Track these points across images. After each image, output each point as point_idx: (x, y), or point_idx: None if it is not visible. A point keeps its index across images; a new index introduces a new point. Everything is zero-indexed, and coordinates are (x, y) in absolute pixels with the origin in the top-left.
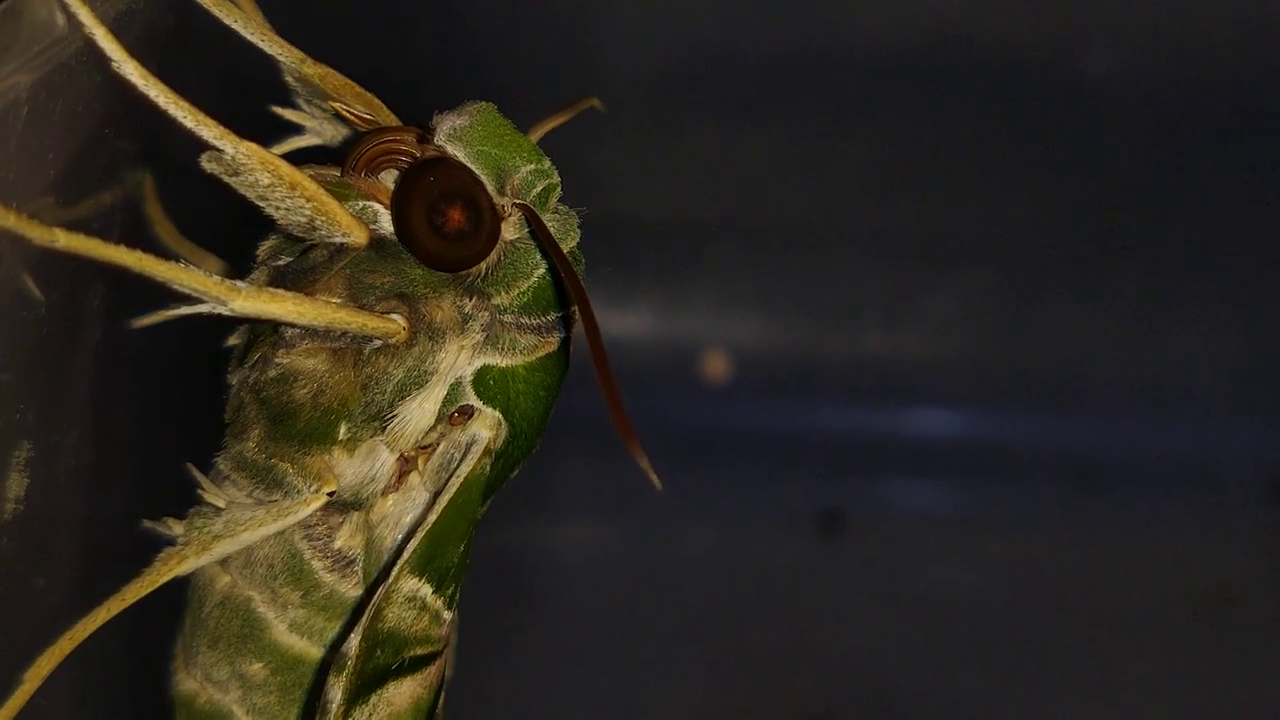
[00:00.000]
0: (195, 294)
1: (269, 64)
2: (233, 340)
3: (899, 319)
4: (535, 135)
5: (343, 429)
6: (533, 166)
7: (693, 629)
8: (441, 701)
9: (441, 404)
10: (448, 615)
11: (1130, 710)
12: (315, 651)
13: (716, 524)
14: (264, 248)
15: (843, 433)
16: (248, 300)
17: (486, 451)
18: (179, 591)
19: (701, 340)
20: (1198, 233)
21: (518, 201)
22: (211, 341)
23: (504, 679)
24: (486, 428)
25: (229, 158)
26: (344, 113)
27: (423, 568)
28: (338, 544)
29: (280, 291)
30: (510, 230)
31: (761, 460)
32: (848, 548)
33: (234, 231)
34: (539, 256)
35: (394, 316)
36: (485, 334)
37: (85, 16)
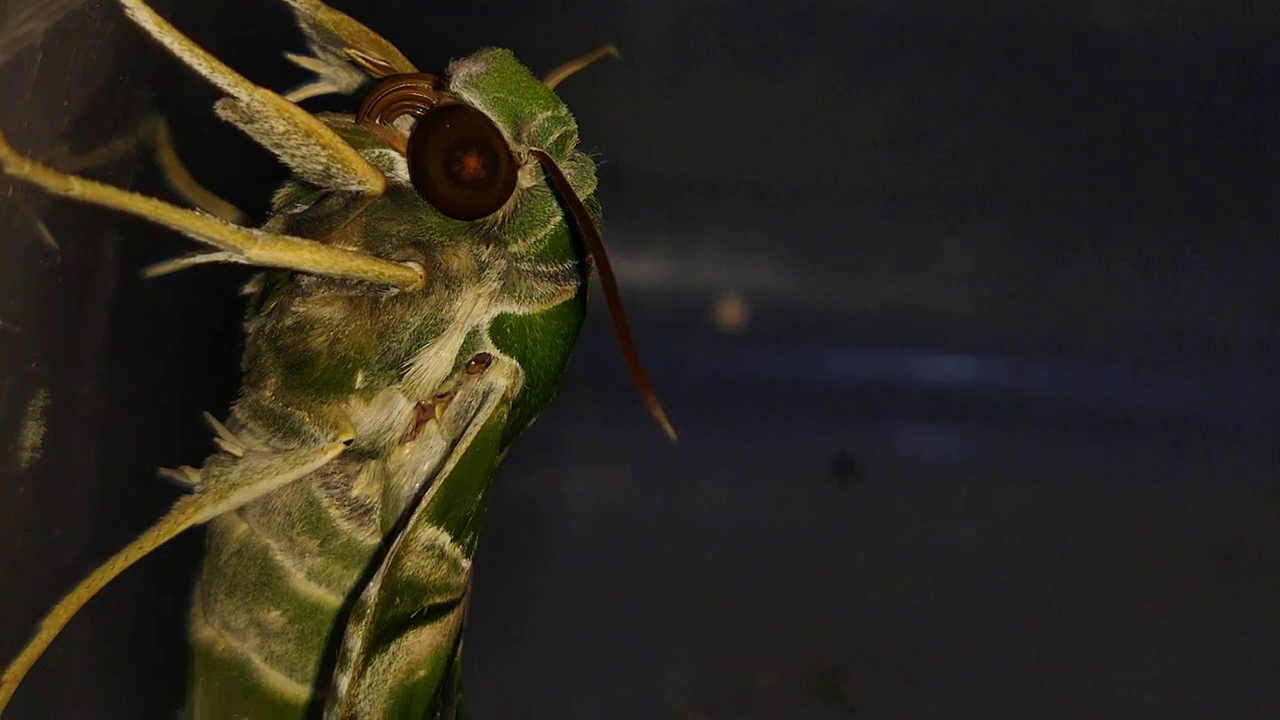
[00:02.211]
0: (211, 242)
1: (284, 11)
2: (249, 288)
3: (914, 268)
4: (551, 82)
5: (359, 377)
6: (549, 113)
7: (706, 579)
8: (460, 649)
9: (458, 352)
10: (466, 563)
11: (1144, 661)
12: (333, 599)
13: (730, 473)
14: (280, 196)
15: (857, 381)
16: (263, 248)
17: (504, 400)
18: (196, 539)
19: (716, 289)
20: (1214, 185)
21: (534, 149)
22: (228, 289)
23: (516, 628)
24: (504, 376)
25: (244, 105)
26: (359, 59)
27: (441, 516)
28: (355, 492)
29: (296, 240)
30: (527, 178)
31: (776, 409)
32: (862, 497)
33: (249, 179)
34: (555, 204)
35: (410, 265)
36: (502, 282)
37: None
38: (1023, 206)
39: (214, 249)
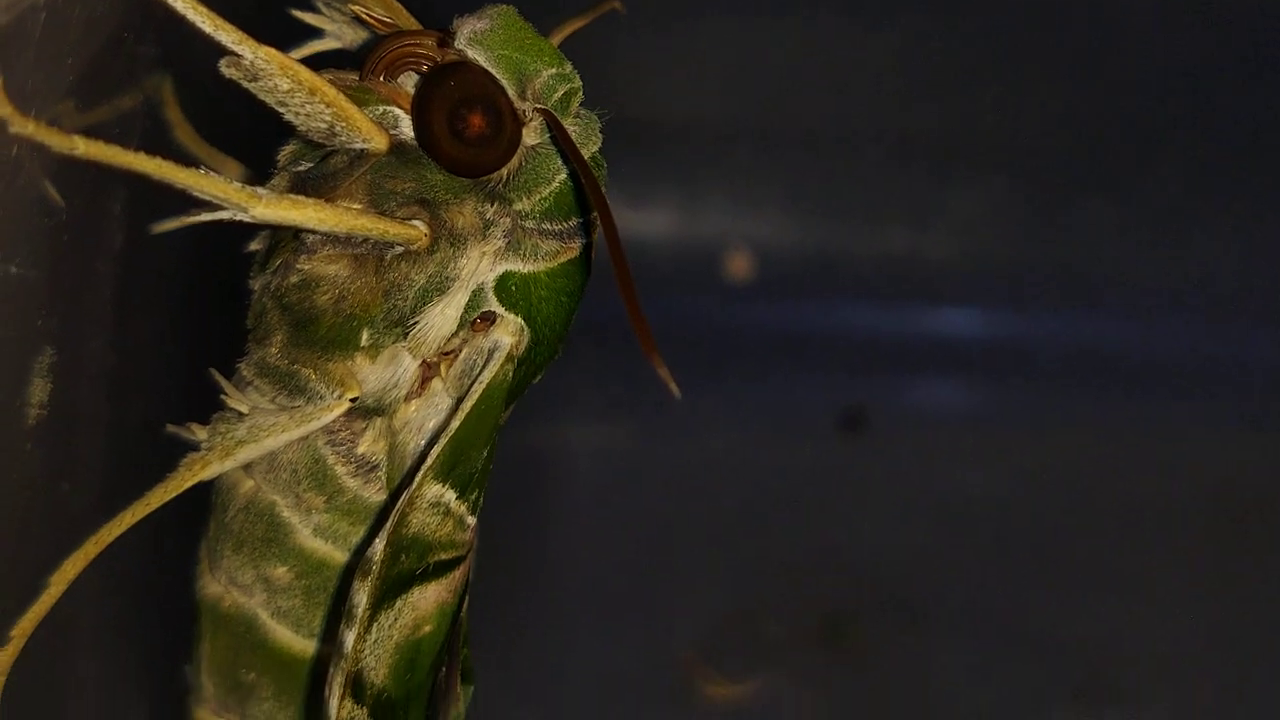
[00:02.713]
0: (216, 201)
1: None
2: (254, 245)
3: (922, 219)
4: (556, 39)
5: (365, 335)
6: (554, 70)
7: (714, 530)
8: (466, 605)
9: (464, 310)
10: (471, 520)
11: (1148, 607)
12: (339, 556)
13: (737, 425)
14: (284, 153)
15: (865, 332)
16: (268, 207)
17: (509, 358)
18: (203, 496)
19: (723, 240)
20: (1227, 134)
21: (539, 106)
22: (233, 246)
23: (521, 581)
24: (509, 334)
25: (248, 63)
26: (363, 16)
27: (446, 474)
28: (361, 449)
29: (301, 198)
30: (531, 135)
31: (782, 360)
32: (870, 448)
33: (254, 135)
34: (560, 162)
35: (415, 223)
36: (507, 240)
37: None
38: (1031, 157)
39: (219, 207)
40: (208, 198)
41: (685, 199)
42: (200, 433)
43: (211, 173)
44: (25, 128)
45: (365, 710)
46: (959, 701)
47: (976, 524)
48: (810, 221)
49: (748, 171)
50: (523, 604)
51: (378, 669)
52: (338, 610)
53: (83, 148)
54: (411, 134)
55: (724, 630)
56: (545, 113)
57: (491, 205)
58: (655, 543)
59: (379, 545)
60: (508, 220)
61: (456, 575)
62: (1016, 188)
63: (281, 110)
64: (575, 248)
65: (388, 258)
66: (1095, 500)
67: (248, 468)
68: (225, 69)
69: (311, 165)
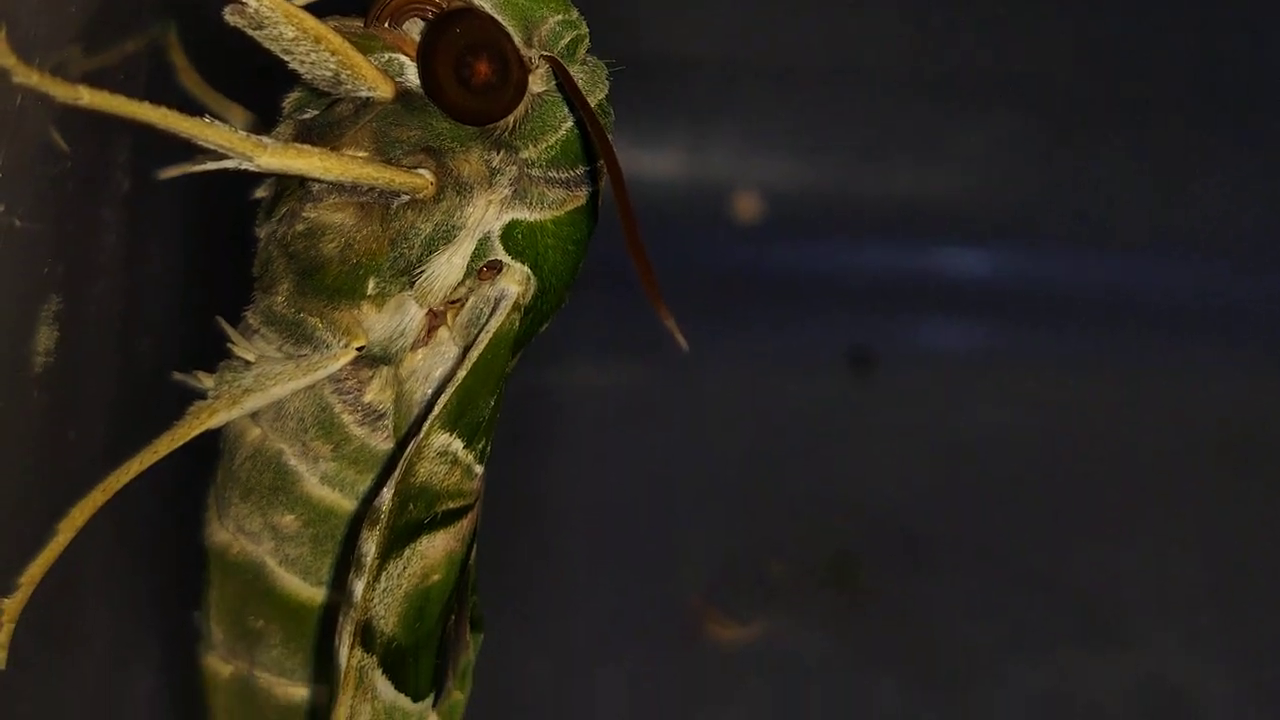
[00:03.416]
0: (221, 150)
1: None
2: (260, 193)
3: (931, 157)
4: None
5: (371, 284)
6: (560, 17)
7: (721, 471)
8: (474, 553)
9: (470, 259)
10: (479, 469)
11: (1153, 547)
12: (347, 504)
13: (745, 366)
14: (289, 100)
15: (874, 272)
16: (274, 156)
17: (515, 307)
18: (211, 443)
19: (732, 180)
20: (1238, 74)
21: (545, 53)
22: (239, 193)
23: (530, 523)
24: (515, 283)
25: (252, 11)
26: None
27: (453, 423)
28: (368, 398)
29: (306, 147)
30: (537, 83)
31: (792, 300)
32: (878, 388)
33: (259, 80)
34: (567, 109)
35: (421, 171)
36: (513, 188)
37: None
38: (1042, 94)
39: (224, 156)
40: (213, 147)
41: (693, 139)
42: (207, 381)
43: (217, 121)
44: (29, 78)
45: (375, 658)
46: (966, 640)
47: (983, 463)
48: (819, 161)
49: (757, 111)
50: (529, 547)
51: (387, 617)
52: (346, 558)
53: (87, 98)
54: (417, 82)
55: (731, 571)
56: (551, 60)
57: (498, 153)
58: (662, 484)
59: (387, 494)
60: (514, 168)
61: (464, 524)
62: (1026, 126)
63: (286, 59)
64: (582, 196)
65: (394, 206)
66: (1102, 439)
67: (255, 416)
68: (229, 17)
69: (317, 113)
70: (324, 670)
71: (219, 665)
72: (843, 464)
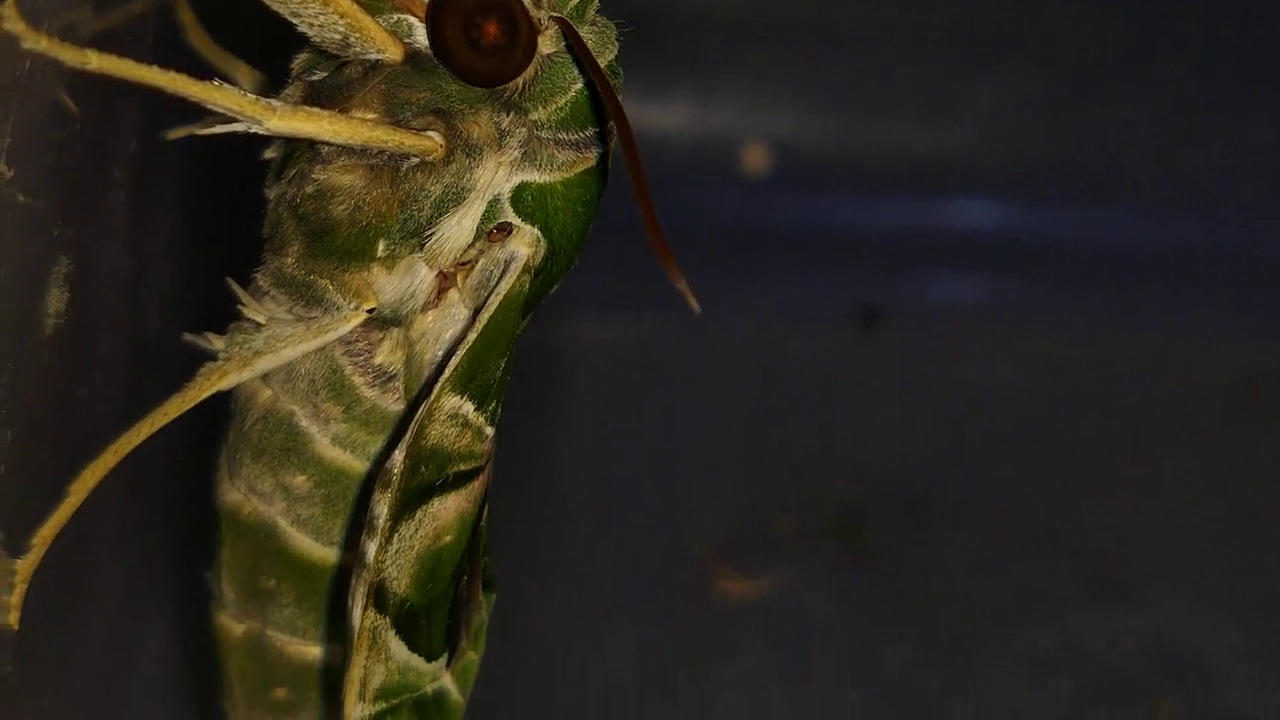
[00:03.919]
0: (230, 113)
1: None
2: (269, 154)
3: (939, 112)
4: None
5: (381, 246)
6: None
7: (728, 426)
8: (485, 514)
9: (480, 221)
10: (490, 431)
11: (1166, 507)
12: (358, 465)
13: (753, 320)
14: (298, 62)
15: (881, 227)
16: (283, 119)
17: (525, 269)
18: (222, 403)
19: (740, 134)
20: (1245, 28)
21: (554, 14)
22: (248, 153)
23: (538, 479)
24: (525, 245)
25: None
26: None
27: (464, 385)
28: (378, 360)
29: (316, 110)
30: (547, 44)
31: (799, 255)
32: (885, 343)
33: (268, 38)
34: (576, 71)
35: (430, 134)
36: (523, 150)
37: None
38: (1051, 50)
39: (234, 119)
40: (222, 110)
41: (701, 92)
42: (217, 342)
43: (225, 85)
44: (38, 43)
45: (388, 619)
46: (972, 597)
47: (991, 420)
48: (827, 115)
49: (765, 64)
50: (536, 504)
51: (400, 579)
52: (357, 518)
53: (95, 62)
54: (426, 43)
55: (737, 528)
56: (561, 20)
57: (507, 115)
58: (670, 439)
59: (398, 457)
60: (524, 130)
61: (476, 485)
62: (1035, 80)
63: (295, 21)
64: (591, 157)
65: (403, 168)
66: (1110, 395)
67: (265, 377)
68: None
69: (326, 75)
70: (336, 630)
71: (231, 624)
72: (849, 420)
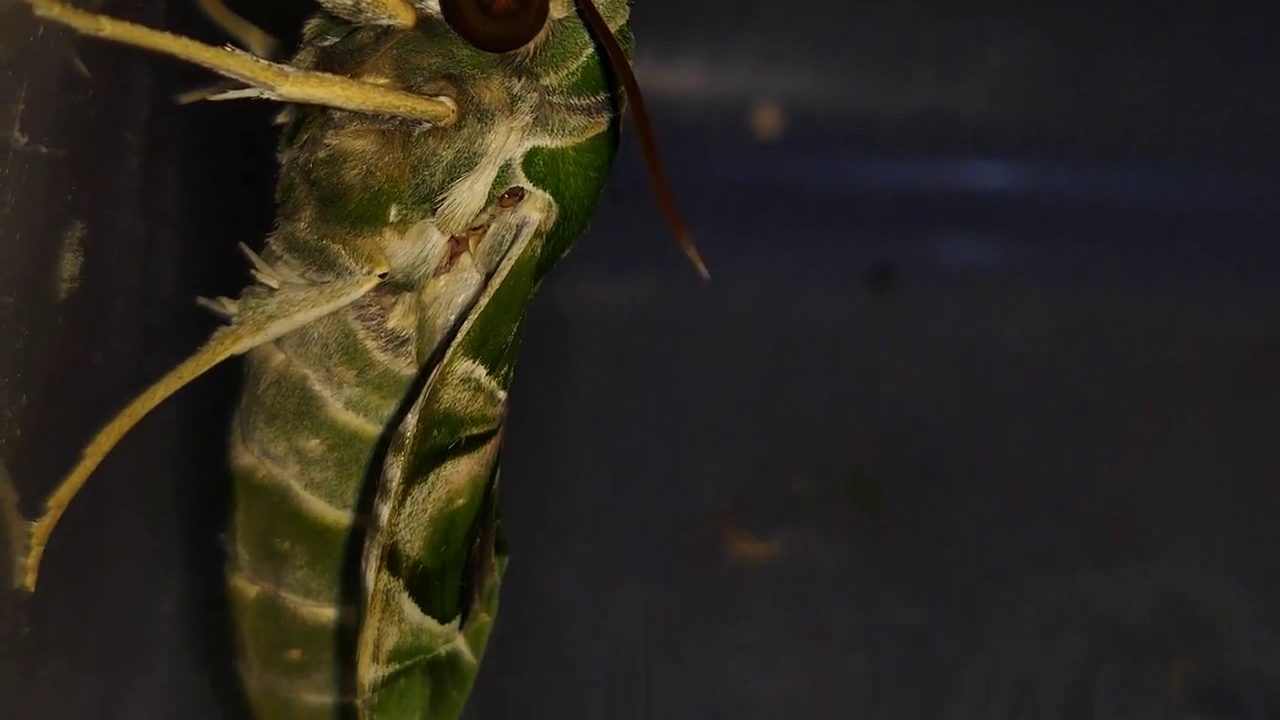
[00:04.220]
0: (243, 79)
1: None
2: (281, 119)
3: (952, 72)
4: None
5: (393, 211)
6: None
7: (741, 387)
8: (498, 478)
9: (491, 186)
10: (502, 395)
11: (1178, 467)
12: (371, 428)
13: (765, 281)
14: (310, 27)
15: (894, 187)
16: (295, 85)
17: (537, 234)
18: (236, 367)
19: (751, 95)
20: None
21: None
22: (261, 118)
23: (549, 439)
24: (537, 210)
25: None
26: None
27: (476, 350)
28: (391, 324)
29: (328, 76)
30: (558, 9)
31: (811, 216)
32: (898, 303)
33: (279, 4)
34: (588, 36)
35: (442, 99)
36: (534, 115)
37: None
38: (1065, 10)
39: (246, 85)
40: (234, 76)
41: (713, 54)
42: (231, 306)
43: (238, 51)
44: (51, 10)
45: (401, 582)
46: (984, 557)
47: (1004, 381)
48: (839, 75)
49: (776, 24)
50: (549, 464)
51: (413, 542)
52: (370, 482)
53: (109, 28)
54: (438, 8)
55: (750, 488)
56: None
57: (519, 80)
58: (681, 400)
59: (411, 421)
60: (535, 95)
61: (488, 449)
62: (1050, 42)
63: None
64: (603, 122)
65: (415, 134)
66: (1124, 357)
67: (279, 341)
68: None
69: (338, 40)
70: (349, 592)
71: (245, 586)
72: (862, 380)
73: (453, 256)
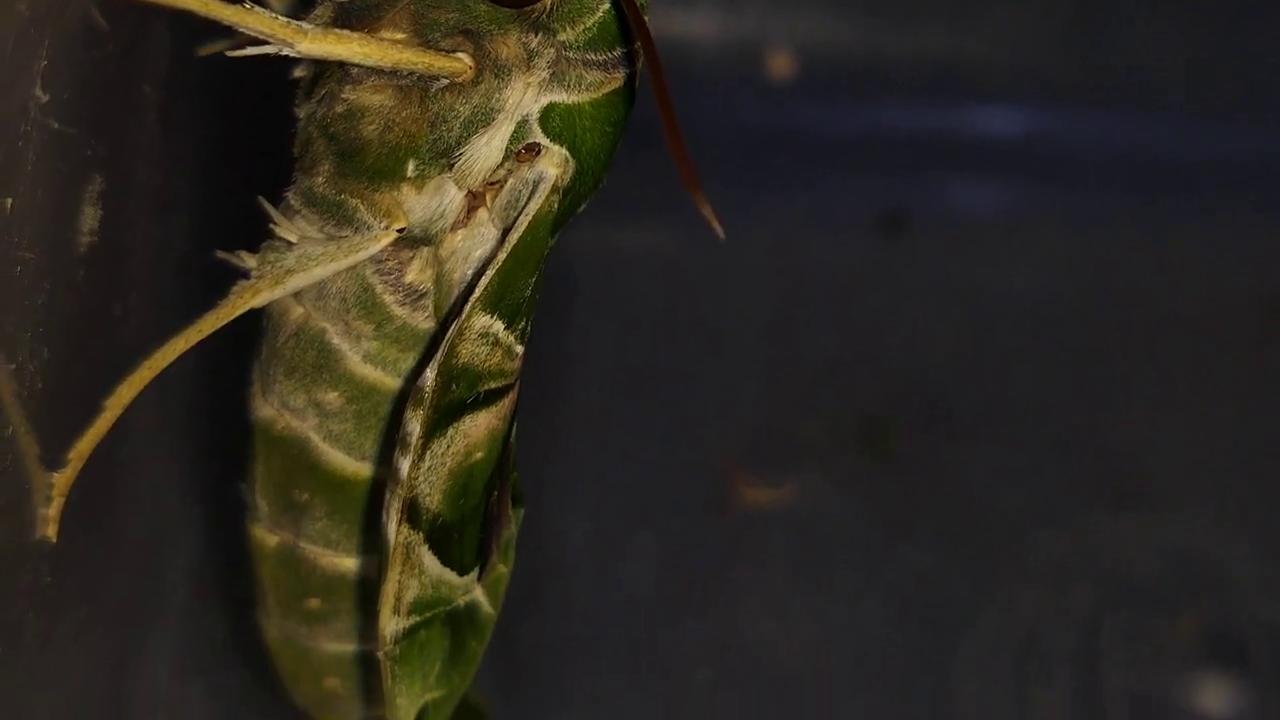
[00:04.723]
0: (261, 36)
1: None
2: (299, 73)
3: (966, 16)
4: None
5: (410, 166)
6: None
7: (752, 333)
8: (515, 431)
9: (508, 141)
10: (520, 349)
11: (1189, 415)
12: (390, 381)
13: (777, 226)
14: None
15: (907, 132)
16: (313, 42)
17: (554, 189)
18: (255, 319)
19: (765, 40)
20: None
21: None
22: (279, 71)
23: (561, 387)
24: (554, 165)
25: None
26: None
27: (494, 305)
28: (409, 278)
29: (346, 33)
30: None
31: (823, 161)
32: (909, 249)
33: None
34: None
35: (459, 55)
36: (551, 71)
37: None
38: None
39: (264, 42)
40: (252, 33)
41: None
42: (250, 260)
43: (256, 7)
44: None
45: (421, 535)
46: (994, 504)
47: (1014, 327)
48: (853, 20)
49: None
50: (561, 413)
51: (432, 495)
52: (388, 434)
53: None
54: None
55: (761, 435)
56: None
57: (535, 36)
58: (692, 347)
59: (430, 375)
60: (552, 51)
61: (506, 403)
62: None
63: None
64: (619, 78)
65: (432, 89)
66: (1135, 302)
67: (297, 295)
68: None
69: None
70: (368, 542)
71: (265, 536)
72: (873, 326)
73: (470, 211)
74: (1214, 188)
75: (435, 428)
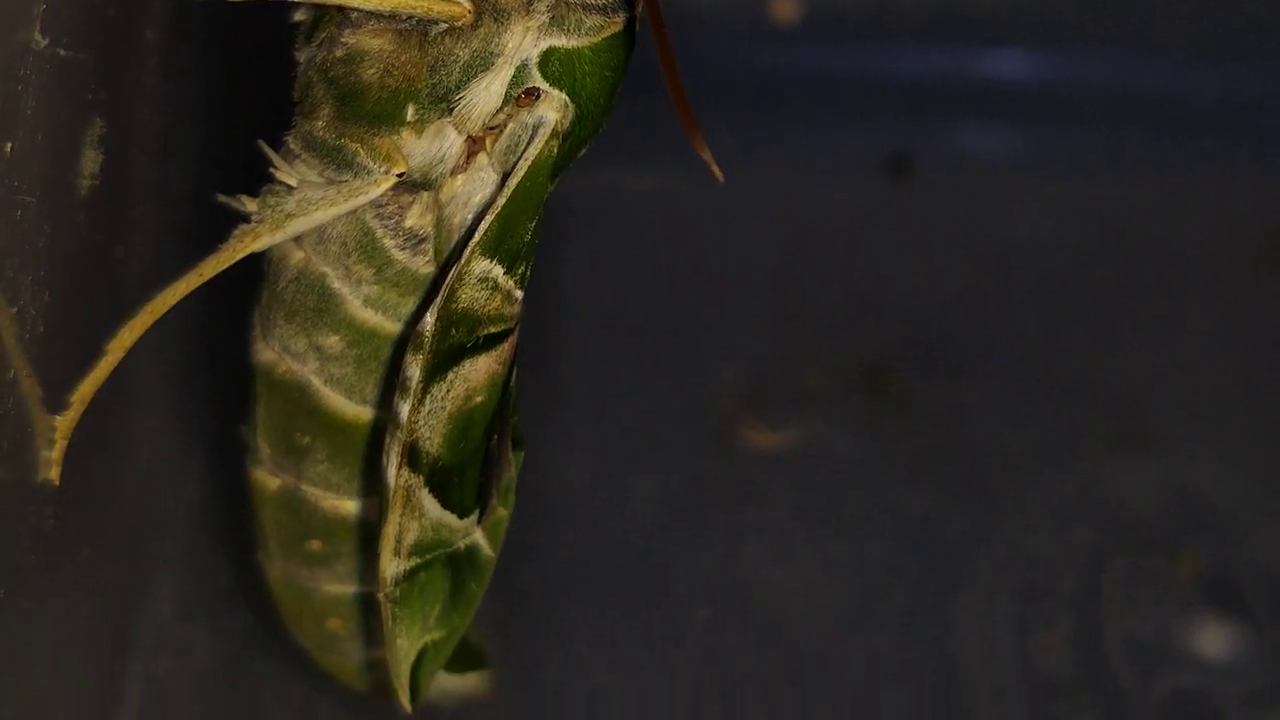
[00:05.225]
0: None
1: None
2: (299, 17)
3: None
4: None
5: (410, 110)
6: None
7: (756, 276)
8: (514, 375)
9: (508, 86)
10: (519, 294)
11: (1194, 358)
12: (390, 326)
13: (781, 169)
14: None
15: (913, 76)
16: None
17: (554, 133)
18: (256, 263)
19: None
20: None
21: None
22: (279, 15)
23: (562, 326)
24: (553, 110)
25: None
26: None
27: (494, 249)
28: (409, 223)
29: None
30: None
31: (828, 104)
32: (916, 193)
33: None
34: None
35: None
36: (550, 15)
37: None
38: None
39: None
40: None
41: None
42: (250, 204)
43: None
44: None
45: (421, 478)
46: (998, 446)
47: (1020, 270)
48: None
49: None
50: (561, 353)
51: (432, 439)
52: (388, 378)
53: None
54: None
55: (764, 378)
56: None
57: None
58: (696, 290)
59: (429, 320)
60: None
61: (505, 347)
62: None
63: None
64: (619, 22)
65: (431, 33)
66: (1140, 246)
67: (298, 239)
68: None
69: None
70: (369, 485)
71: (266, 478)
72: (878, 270)
73: (470, 156)
74: (1220, 129)
75: (435, 372)
